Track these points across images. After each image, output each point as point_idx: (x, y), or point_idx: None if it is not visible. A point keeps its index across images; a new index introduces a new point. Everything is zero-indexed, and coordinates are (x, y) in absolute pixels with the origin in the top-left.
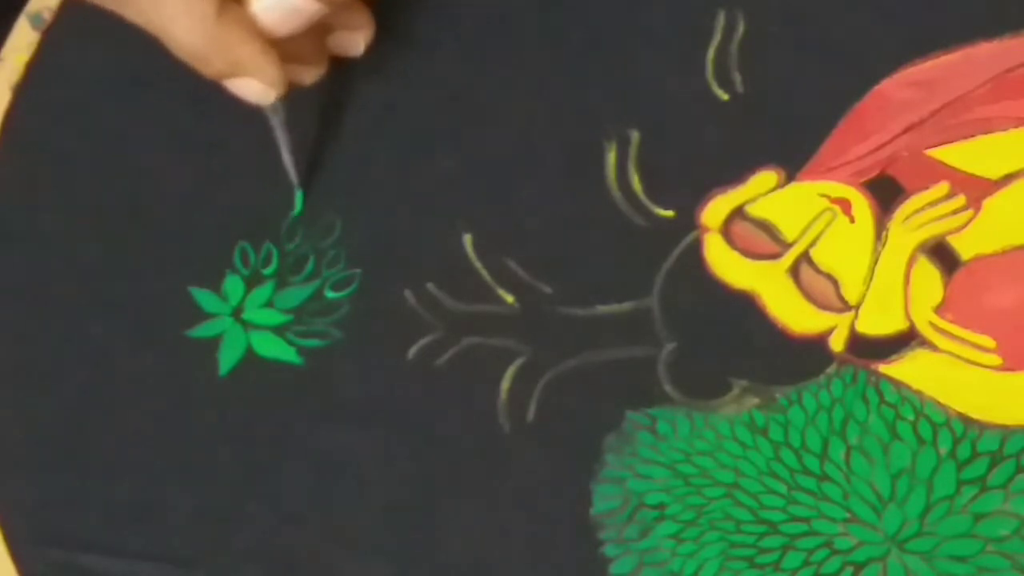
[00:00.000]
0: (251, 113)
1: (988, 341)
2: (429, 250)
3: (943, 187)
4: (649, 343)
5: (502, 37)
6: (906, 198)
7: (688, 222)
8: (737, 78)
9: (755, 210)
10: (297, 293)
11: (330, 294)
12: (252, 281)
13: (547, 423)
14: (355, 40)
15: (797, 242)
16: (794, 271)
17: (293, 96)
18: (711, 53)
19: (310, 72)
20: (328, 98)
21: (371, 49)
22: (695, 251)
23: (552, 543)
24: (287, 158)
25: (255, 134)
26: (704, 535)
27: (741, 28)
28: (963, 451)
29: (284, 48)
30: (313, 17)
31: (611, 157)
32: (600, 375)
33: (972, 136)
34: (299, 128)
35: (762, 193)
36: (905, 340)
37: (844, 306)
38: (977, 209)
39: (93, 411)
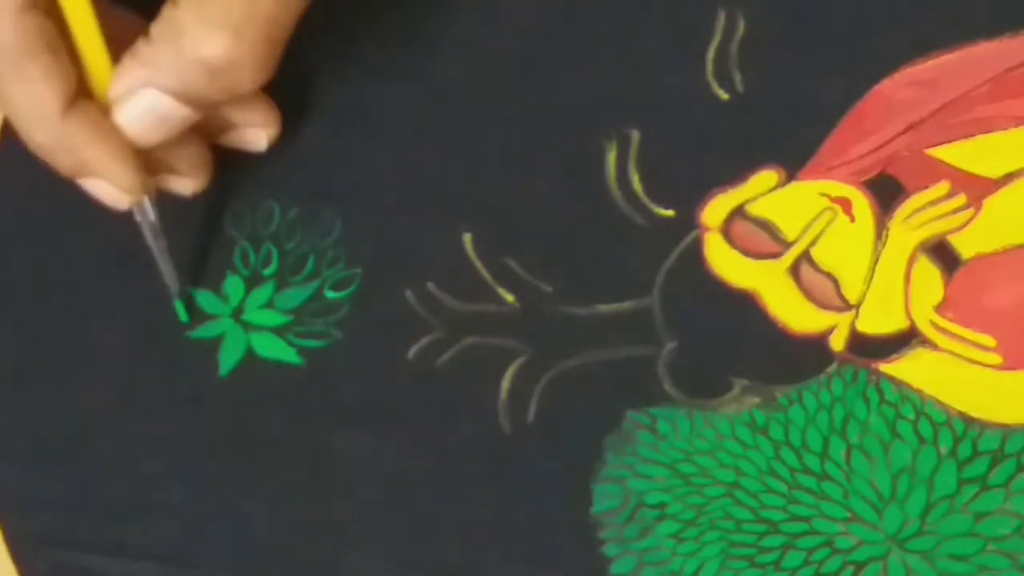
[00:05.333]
0: None
1: (989, 340)
2: (429, 250)
3: (944, 186)
4: (649, 342)
5: (502, 37)
6: (907, 197)
7: (688, 221)
8: (737, 78)
9: (755, 209)
10: (297, 293)
11: (330, 294)
12: (252, 281)
13: (547, 423)
14: (257, 136)
15: (797, 241)
16: (794, 270)
17: (294, 96)
18: (711, 52)
19: (185, 183)
20: (327, 98)
21: (371, 49)
22: (695, 250)
23: (552, 543)
24: (163, 264)
25: None
26: (704, 534)
27: (741, 28)
28: (964, 450)
29: (152, 155)
30: (186, 122)
31: (611, 157)
32: (600, 374)
33: (973, 135)
34: (302, 131)
35: (762, 192)
36: (906, 339)
37: (844, 305)
38: (978, 208)
39: (93, 411)
